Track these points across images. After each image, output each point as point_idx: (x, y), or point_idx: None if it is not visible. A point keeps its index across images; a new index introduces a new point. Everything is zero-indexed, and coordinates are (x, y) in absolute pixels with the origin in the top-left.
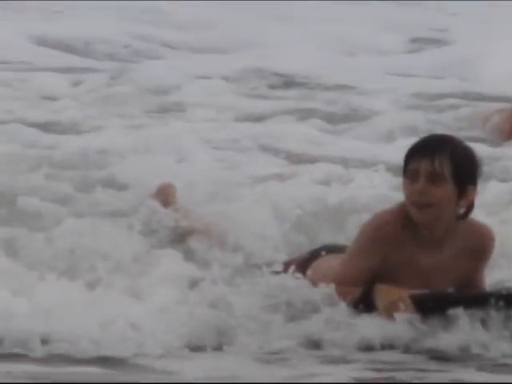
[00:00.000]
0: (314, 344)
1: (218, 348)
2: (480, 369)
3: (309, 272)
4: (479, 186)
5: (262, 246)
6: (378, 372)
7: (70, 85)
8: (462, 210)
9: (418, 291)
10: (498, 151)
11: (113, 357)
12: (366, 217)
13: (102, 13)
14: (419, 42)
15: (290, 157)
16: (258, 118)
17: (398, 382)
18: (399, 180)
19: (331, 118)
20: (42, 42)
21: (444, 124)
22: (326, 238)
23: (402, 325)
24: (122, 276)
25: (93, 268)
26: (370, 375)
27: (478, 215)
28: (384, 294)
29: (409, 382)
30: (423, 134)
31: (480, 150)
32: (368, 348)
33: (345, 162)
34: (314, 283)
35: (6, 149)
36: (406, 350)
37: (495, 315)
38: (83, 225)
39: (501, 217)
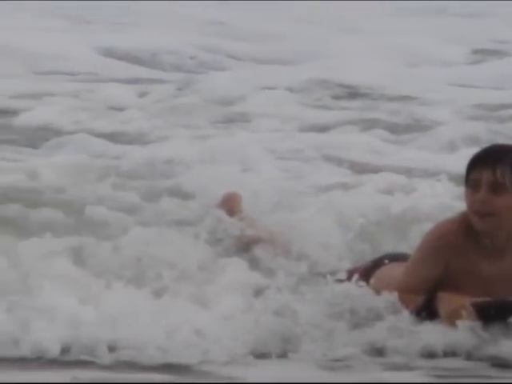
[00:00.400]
0: (378, 351)
1: (283, 355)
2: None
3: (372, 280)
4: None
5: (326, 255)
6: (440, 379)
7: (136, 95)
8: None
9: (479, 299)
10: None
11: (178, 364)
12: (428, 226)
13: (168, 25)
14: (481, 54)
15: (353, 166)
16: (322, 129)
17: None
18: (461, 189)
19: (394, 129)
20: (110, 53)
21: (505, 134)
22: (389, 246)
23: (464, 332)
24: (187, 284)
25: (159, 276)
26: (432, 382)
27: None
28: (446, 301)
29: None
30: (485, 145)
31: None
32: (430, 355)
33: (408, 172)
34: (377, 291)
35: (74, 159)
36: (468, 357)
37: None
38: (150, 234)
39: None
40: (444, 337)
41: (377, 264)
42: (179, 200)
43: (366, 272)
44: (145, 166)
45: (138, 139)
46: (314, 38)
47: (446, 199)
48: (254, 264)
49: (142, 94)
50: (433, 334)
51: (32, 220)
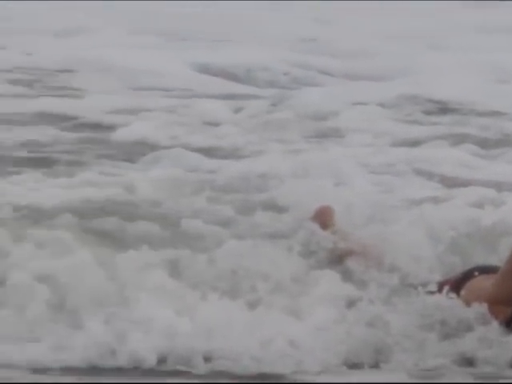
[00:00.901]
0: (468, 361)
1: (375, 365)
2: None
3: (462, 292)
4: None
5: (417, 267)
6: None
7: (231, 111)
8: None
9: None
10: None
11: (272, 373)
12: None
13: (262, 42)
14: None
15: (444, 180)
16: (413, 143)
17: None
18: None
19: (484, 143)
20: (205, 69)
21: None
22: (479, 259)
23: None
24: (281, 296)
25: (253, 288)
26: None
27: None
28: None
29: None
30: None
31: None
32: None
33: (497, 186)
34: (468, 303)
35: (170, 173)
36: None
37: None
38: (244, 246)
39: None
40: None
41: (467, 276)
42: (273, 213)
43: (457, 284)
44: (239, 180)
45: (233, 154)
46: (404, 55)
47: None
48: (347, 276)
49: (237, 110)
50: None
51: (129, 233)
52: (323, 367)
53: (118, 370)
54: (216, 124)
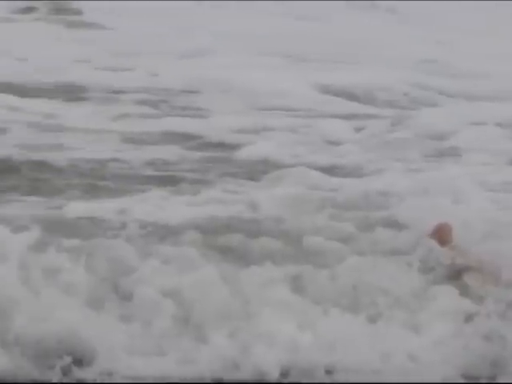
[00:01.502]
0: None
1: (492, 378)
2: None
3: None
4: None
5: None
6: None
7: (352, 130)
8: None
9: None
10: None
11: None
12: None
13: (382, 63)
14: None
15: None
16: None
17: None
18: None
19: None
20: (327, 90)
21: None
22: None
23: None
24: (401, 310)
25: (374, 303)
26: None
27: None
28: None
29: None
30: None
31: None
32: None
33: None
34: None
35: (293, 191)
36: None
37: None
38: (365, 262)
39: None
40: None
41: None
42: (393, 230)
43: None
44: (360, 198)
45: (354, 172)
46: None
47: None
48: (464, 291)
49: (358, 129)
50: None
51: (252, 249)
52: (442, 380)
53: (242, 383)
54: (337, 143)
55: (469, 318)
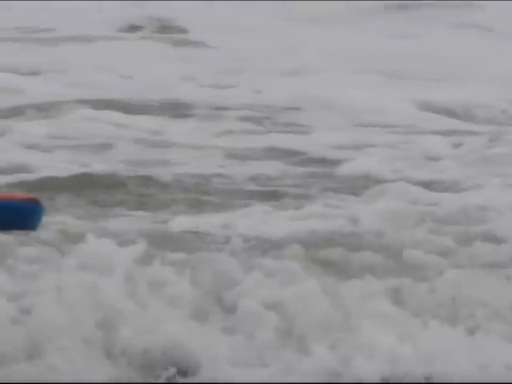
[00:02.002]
0: None
1: None
2: None
3: None
4: None
5: None
6: None
7: (451, 146)
8: None
9: None
10: None
11: None
12: None
13: (480, 80)
14: None
15: None
16: None
17: None
18: None
19: None
20: (426, 106)
21: None
22: None
23: None
24: (499, 322)
25: (472, 315)
26: None
27: None
28: None
29: None
30: None
31: None
32: None
33: None
34: None
35: (393, 205)
36: None
37: None
38: (464, 275)
39: None
40: None
41: None
42: (492, 244)
43: None
44: (459, 212)
45: (453, 187)
46: None
47: None
48: None
49: (457, 145)
50: None
51: (353, 263)
52: None
53: None
54: (436, 159)
55: None
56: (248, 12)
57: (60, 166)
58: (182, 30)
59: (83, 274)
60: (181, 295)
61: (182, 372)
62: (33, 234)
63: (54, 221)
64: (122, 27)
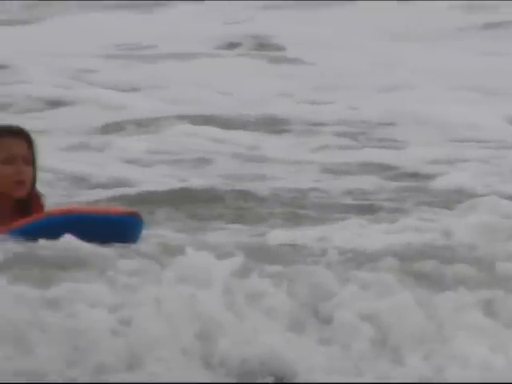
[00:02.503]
0: None
1: None
2: None
3: None
4: None
5: None
6: None
7: None
8: None
9: None
10: None
11: None
12: None
13: None
14: None
15: None
16: None
17: None
18: None
19: None
20: None
21: None
22: None
23: None
24: None
25: None
26: None
27: None
28: None
29: None
30: None
31: None
32: None
33: None
34: None
35: (486, 219)
36: None
37: None
38: None
39: None
40: None
41: None
42: None
43: None
44: None
45: None
46: None
47: None
48: None
49: None
50: None
51: (446, 275)
52: None
53: None
54: None
55: None
56: (342, 30)
57: (159, 180)
58: (279, 48)
59: (182, 286)
60: (278, 307)
61: (279, 381)
62: (133, 246)
63: (153, 234)
64: (220, 45)
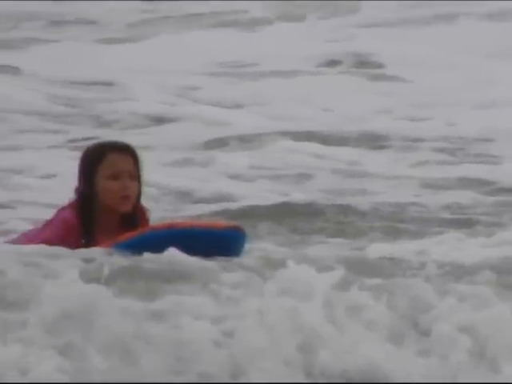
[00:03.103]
0: None
1: None
2: None
3: None
4: None
5: None
6: None
7: None
8: None
9: None
10: None
11: None
12: None
13: None
14: None
15: None
16: None
17: None
18: None
19: None
20: None
21: None
22: None
23: None
24: None
25: None
26: None
27: None
28: None
29: None
30: None
31: None
32: None
33: None
34: None
35: None
36: None
37: None
38: None
39: None
40: None
41: None
42: None
43: None
44: None
45: None
46: None
47: None
48: None
49: None
50: None
51: None
52: None
53: None
54: None
55: None
56: (440, 48)
57: (261, 195)
58: (379, 65)
59: (284, 298)
60: (377, 319)
61: None
62: (236, 260)
63: (256, 247)
64: (321, 62)
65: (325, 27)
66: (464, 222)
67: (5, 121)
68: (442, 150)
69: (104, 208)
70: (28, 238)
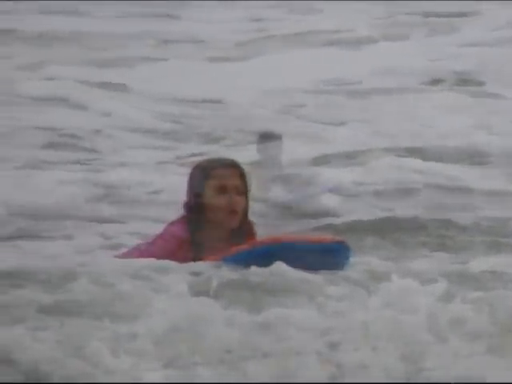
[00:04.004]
0: None
1: None
2: None
3: None
4: None
5: None
6: None
7: None
8: None
9: None
10: None
11: None
12: None
13: None
14: None
15: None
16: None
17: None
18: None
19: None
20: None
21: None
22: None
23: None
24: None
25: None
26: None
27: None
28: None
29: None
30: None
31: None
32: None
33: None
34: None
35: None
36: None
37: None
38: None
39: None
40: None
41: None
42: None
43: None
44: None
45: None
46: None
47: None
48: None
49: None
50: None
51: None
52: None
53: None
54: None
55: None
56: None
57: (365, 210)
58: (480, 83)
59: (388, 311)
60: (479, 331)
61: None
62: (341, 273)
63: (360, 261)
64: (424, 80)
65: (427, 46)
66: None
67: (113, 137)
68: None
69: (212, 222)
70: (138, 252)
